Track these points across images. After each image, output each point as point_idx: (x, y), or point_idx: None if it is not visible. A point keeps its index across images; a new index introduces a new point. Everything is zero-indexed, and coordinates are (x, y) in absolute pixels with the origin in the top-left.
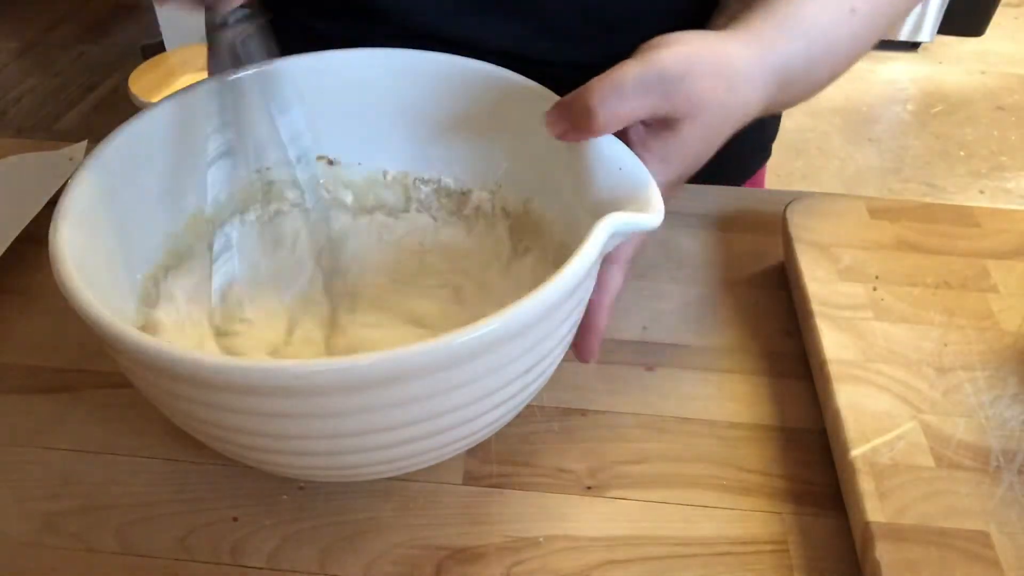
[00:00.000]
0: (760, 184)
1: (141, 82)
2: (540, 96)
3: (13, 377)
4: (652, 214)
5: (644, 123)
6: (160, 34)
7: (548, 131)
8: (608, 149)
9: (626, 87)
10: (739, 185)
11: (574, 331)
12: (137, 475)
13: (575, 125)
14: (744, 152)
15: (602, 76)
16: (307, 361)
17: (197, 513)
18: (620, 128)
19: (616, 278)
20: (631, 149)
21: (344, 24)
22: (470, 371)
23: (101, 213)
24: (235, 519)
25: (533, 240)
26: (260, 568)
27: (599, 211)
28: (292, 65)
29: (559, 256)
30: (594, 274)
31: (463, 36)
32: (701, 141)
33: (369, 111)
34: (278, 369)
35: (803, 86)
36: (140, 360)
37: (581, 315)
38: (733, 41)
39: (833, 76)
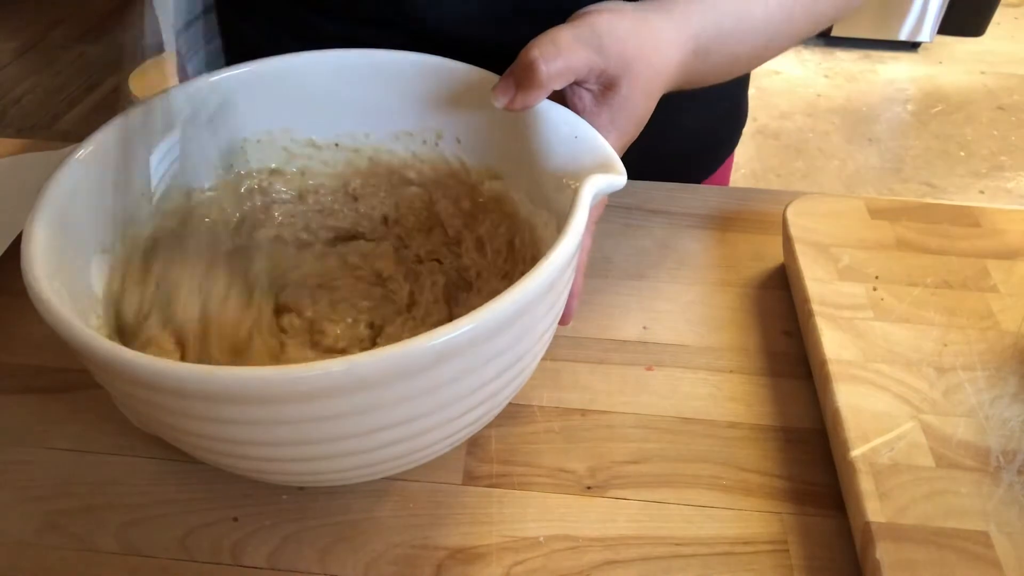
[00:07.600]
0: (727, 172)
1: (141, 82)
2: (489, 79)
3: (13, 377)
4: (620, 175)
5: (588, 90)
6: (160, 34)
7: (497, 104)
8: (562, 121)
9: (562, 41)
10: (711, 172)
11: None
12: (137, 475)
13: (520, 85)
14: (719, 137)
15: (539, 36)
16: (282, 368)
17: (197, 513)
18: (563, 83)
19: (586, 240)
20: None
21: (353, 28)
22: (501, 343)
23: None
24: (235, 519)
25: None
26: (260, 568)
27: (564, 180)
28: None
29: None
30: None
31: (480, 41)
32: (642, 100)
33: (318, 116)
34: (250, 378)
35: (719, 58)
36: (111, 371)
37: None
38: (651, 10)
39: (754, 53)
